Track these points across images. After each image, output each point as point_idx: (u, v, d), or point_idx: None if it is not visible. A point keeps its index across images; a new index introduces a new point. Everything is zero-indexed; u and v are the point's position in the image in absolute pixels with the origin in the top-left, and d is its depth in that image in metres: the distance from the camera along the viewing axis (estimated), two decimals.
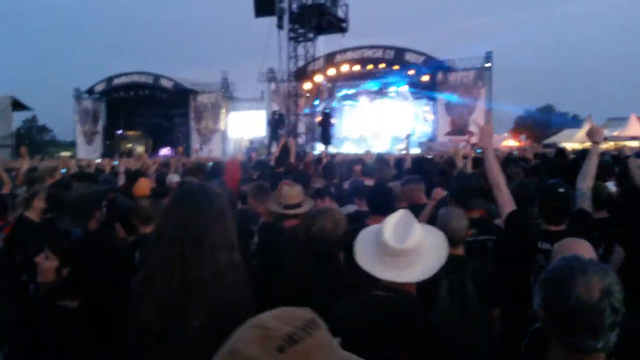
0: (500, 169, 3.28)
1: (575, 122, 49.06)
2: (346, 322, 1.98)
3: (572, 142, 27.03)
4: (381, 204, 3.63)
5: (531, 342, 1.82)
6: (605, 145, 21.16)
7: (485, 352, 2.68)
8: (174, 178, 6.85)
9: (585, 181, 3.34)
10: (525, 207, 3.55)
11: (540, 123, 50.47)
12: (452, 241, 2.85)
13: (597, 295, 1.36)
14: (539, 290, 1.47)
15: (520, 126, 49.80)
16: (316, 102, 27.70)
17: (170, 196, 2.03)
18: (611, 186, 4.99)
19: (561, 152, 9.26)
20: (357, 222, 3.40)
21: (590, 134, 3.55)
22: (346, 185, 5.57)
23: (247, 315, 1.77)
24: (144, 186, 5.21)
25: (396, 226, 2.00)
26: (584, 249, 2.12)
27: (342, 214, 2.74)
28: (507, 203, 3.06)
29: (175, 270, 1.75)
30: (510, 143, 30.91)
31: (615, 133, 26.79)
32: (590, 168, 3.38)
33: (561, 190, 2.95)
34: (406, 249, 1.93)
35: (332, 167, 6.63)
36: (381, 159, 10.11)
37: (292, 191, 3.60)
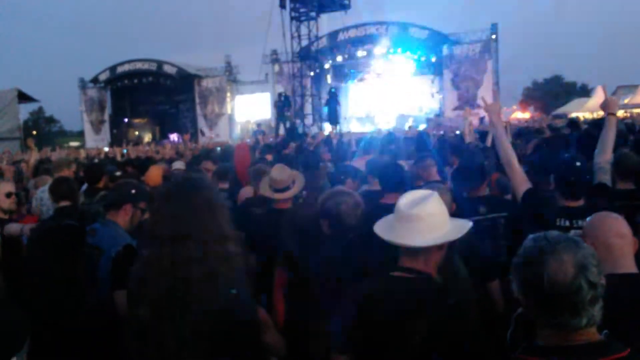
0: (511, 146, 3.20)
1: (583, 91, 48.50)
2: (366, 304, 1.97)
3: (583, 111, 26.72)
4: (394, 182, 3.60)
5: (516, 329, 1.79)
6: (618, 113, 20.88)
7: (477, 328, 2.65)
8: (178, 165, 6.80)
9: (604, 154, 3.24)
10: (541, 179, 3.49)
11: (548, 94, 49.88)
12: None
13: (571, 273, 1.32)
14: (514, 275, 1.43)
15: (529, 98, 49.28)
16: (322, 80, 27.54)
17: (156, 193, 1.99)
18: None
19: (574, 122, 9.13)
20: (369, 203, 3.37)
21: (605, 106, 3.46)
22: (358, 163, 5.51)
23: (243, 311, 1.77)
24: (156, 174, 5.20)
25: (414, 197, 2.04)
26: (618, 224, 2.04)
27: (359, 196, 2.76)
28: (521, 181, 3.00)
29: (165, 272, 1.72)
30: (519, 115, 30.59)
31: (626, 101, 26.44)
32: (608, 140, 3.28)
33: (578, 164, 2.89)
34: (415, 214, 1.95)
35: (344, 147, 6.57)
36: (393, 136, 10.07)
37: (280, 175, 3.67)
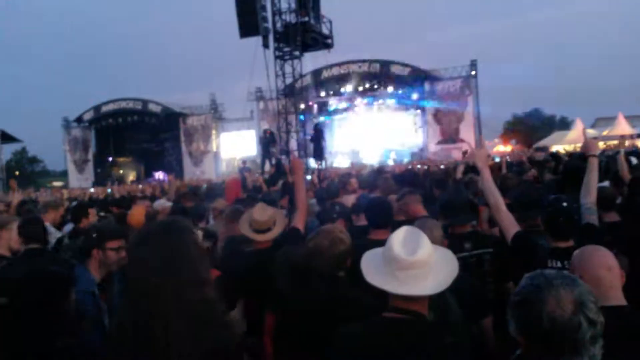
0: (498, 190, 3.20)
1: (563, 124, 49.56)
2: (356, 347, 1.91)
3: (563, 144, 27.24)
4: (382, 218, 3.59)
5: None
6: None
7: None
8: (161, 203, 6.69)
9: (589, 196, 3.23)
10: (526, 214, 3.51)
11: (529, 127, 50.84)
12: None
13: (569, 309, 1.31)
14: (511, 316, 1.41)
15: (510, 131, 50.15)
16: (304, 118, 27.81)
17: (133, 237, 1.90)
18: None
19: (555, 156, 9.30)
20: (358, 238, 3.34)
21: (586, 147, 3.51)
22: (347, 200, 5.48)
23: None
24: (138, 214, 5.09)
25: (405, 240, 1.94)
26: (606, 257, 2.05)
27: (345, 233, 2.70)
28: (510, 225, 2.96)
29: (139, 329, 1.64)
30: (501, 148, 31.08)
31: (605, 133, 27.05)
32: (592, 182, 3.27)
33: (565, 204, 2.91)
34: (418, 260, 1.87)
35: (332, 185, 6.55)
36: (381, 170, 10.12)
37: (262, 215, 3.52)
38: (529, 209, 3.54)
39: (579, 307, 1.31)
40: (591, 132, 27.04)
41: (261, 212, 3.56)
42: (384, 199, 4.22)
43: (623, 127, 26.38)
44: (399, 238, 1.95)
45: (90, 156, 36.49)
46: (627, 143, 24.12)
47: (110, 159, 36.34)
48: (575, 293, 1.34)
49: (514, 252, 2.89)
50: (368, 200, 4.44)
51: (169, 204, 6.65)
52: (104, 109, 35.11)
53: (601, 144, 23.34)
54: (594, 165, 3.34)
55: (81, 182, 33.84)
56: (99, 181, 31.01)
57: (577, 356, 1.31)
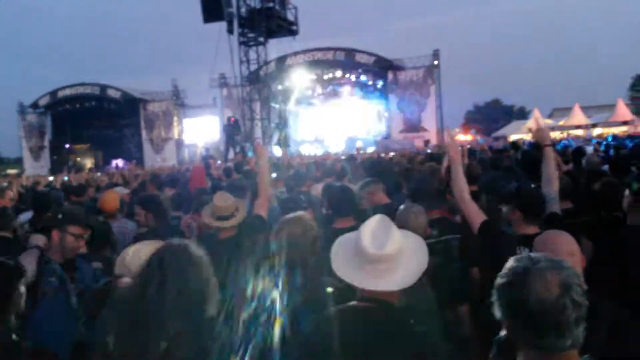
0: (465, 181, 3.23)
1: (521, 113, 50.88)
2: (325, 335, 1.88)
3: (521, 133, 27.94)
4: (345, 206, 3.61)
5: (498, 353, 1.73)
6: (552, 134, 22.02)
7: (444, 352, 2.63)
8: (120, 191, 6.50)
9: (551, 185, 3.30)
10: (492, 200, 3.57)
11: (488, 117, 51.94)
12: None
13: (556, 292, 1.32)
14: (498, 297, 1.42)
15: (470, 121, 51.09)
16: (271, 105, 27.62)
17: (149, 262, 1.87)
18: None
19: (515, 144, 9.55)
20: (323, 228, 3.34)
21: (539, 138, 3.56)
22: (315, 189, 5.46)
23: None
24: (112, 199, 4.86)
25: (374, 232, 1.91)
26: (568, 242, 2.10)
27: (311, 219, 2.69)
28: (476, 214, 2.96)
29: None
30: (461, 138, 31.68)
31: (561, 123, 27.88)
32: (551, 172, 3.33)
33: (533, 186, 2.96)
34: (386, 255, 1.85)
35: (298, 173, 6.51)
36: (351, 158, 10.13)
37: (224, 202, 3.54)
38: (496, 196, 3.60)
39: (565, 289, 1.33)
40: (548, 121, 27.89)
41: (222, 198, 3.58)
42: (347, 187, 4.21)
43: (579, 117, 27.26)
44: (369, 230, 1.92)
45: (46, 143, 35.27)
46: (581, 132, 25.00)
47: (68, 145, 35.19)
48: (562, 276, 1.35)
49: (482, 239, 2.91)
50: (331, 189, 4.44)
51: (127, 191, 6.49)
52: (61, 94, 33.92)
53: (558, 134, 24.06)
54: (549, 155, 3.39)
55: (37, 169, 32.66)
56: (55, 169, 30.02)
57: (561, 337, 1.33)
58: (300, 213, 2.85)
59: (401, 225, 2.90)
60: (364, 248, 1.87)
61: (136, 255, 2.27)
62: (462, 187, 3.07)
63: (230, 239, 3.42)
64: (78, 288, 2.88)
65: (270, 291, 2.45)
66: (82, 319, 2.60)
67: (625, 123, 25.35)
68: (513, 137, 24.01)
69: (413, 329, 1.87)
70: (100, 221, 4.09)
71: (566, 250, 2.04)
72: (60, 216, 2.99)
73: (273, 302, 2.43)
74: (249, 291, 2.47)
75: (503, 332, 1.52)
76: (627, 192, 3.02)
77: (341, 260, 1.96)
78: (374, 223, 1.96)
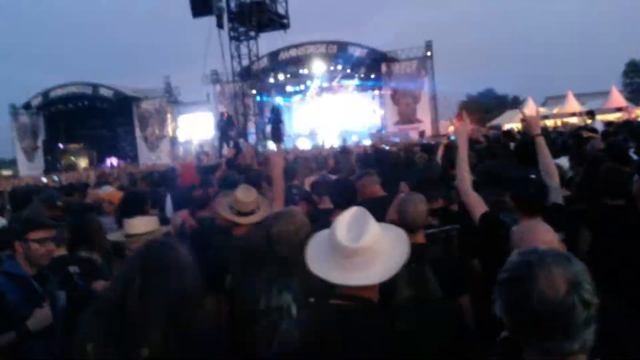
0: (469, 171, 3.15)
1: (515, 103, 50.88)
2: (304, 336, 1.79)
3: (515, 122, 27.89)
4: (345, 199, 3.51)
5: (500, 354, 1.57)
6: (548, 123, 22.01)
7: (448, 342, 2.56)
8: (107, 189, 6.36)
9: (551, 176, 3.17)
10: (491, 188, 3.50)
11: (482, 106, 51.92)
12: (412, 228, 2.76)
13: (563, 290, 1.18)
14: (499, 294, 1.27)
15: (464, 111, 51.07)
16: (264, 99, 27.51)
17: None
18: (564, 162, 5.05)
19: (509, 133, 9.48)
20: (318, 222, 3.26)
21: (528, 127, 3.46)
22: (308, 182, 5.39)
23: None
24: (114, 197, 4.90)
25: (350, 224, 1.79)
26: (546, 232, 2.01)
27: (304, 216, 2.61)
28: (477, 204, 2.91)
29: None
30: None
31: (555, 111, 27.86)
32: (548, 162, 3.20)
33: (532, 176, 2.88)
34: (363, 247, 1.72)
35: (293, 168, 6.41)
36: (344, 150, 10.07)
37: (246, 197, 3.24)
38: (496, 185, 3.53)
39: (573, 287, 1.18)
40: (542, 110, 27.82)
41: (246, 193, 3.29)
42: (347, 179, 4.16)
43: (573, 105, 27.21)
44: (344, 222, 1.81)
45: (40, 143, 35.07)
46: (576, 120, 24.95)
47: (61, 146, 35.05)
48: (571, 272, 1.21)
49: (482, 230, 2.83)
50: (332, 181, 4.39)
51: (112, 189, 6.36)
52: (53, 94, 33.69)
53: (551, 122, 24.02)
54: (542, 145, 3.27)
55: (32, 170, 32.52)
56: (49, 169, 29.89)
57: (568, 341, 1.19)
58: (291, 209, 2.77)
59: (401, 214, 2.85)
60: (339, 242, 1.75)
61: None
62: (465, 177, 3.02)
63: (244, 237, 3.20)
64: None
65: (269, 293, 2.39)
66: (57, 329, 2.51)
67: (619, 110, 25.31)
68: (507, 127, 23.97)
69: (394, 328, 1.77)
70: (79, 218, 3.67)
71: (542, 240, 1.93)
72: (17, 226, 2.75)
73: (270, 305, 2.36)
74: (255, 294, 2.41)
75: (504, 333, 1.40)
76: (636, 176, 2.92)
77: (316, 255, 1.84)
78: (350, 215, 1.84)
